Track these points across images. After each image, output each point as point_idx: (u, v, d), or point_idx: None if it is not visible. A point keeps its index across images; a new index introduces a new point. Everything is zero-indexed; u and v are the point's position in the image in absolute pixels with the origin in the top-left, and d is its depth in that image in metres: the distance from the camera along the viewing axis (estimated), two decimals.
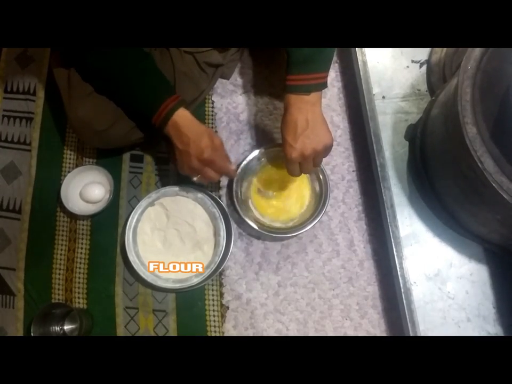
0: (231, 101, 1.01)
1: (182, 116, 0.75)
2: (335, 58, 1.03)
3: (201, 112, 1.01)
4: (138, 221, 0.89)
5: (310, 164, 0.76)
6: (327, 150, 0.76)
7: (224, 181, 0.96)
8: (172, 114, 0.74)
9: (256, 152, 0.90)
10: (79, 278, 0.93)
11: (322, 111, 1.00)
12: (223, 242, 0.87)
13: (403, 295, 0.78)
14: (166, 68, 0.86)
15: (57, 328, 0.89)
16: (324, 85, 0.74)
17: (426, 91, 0.94)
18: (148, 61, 0.78)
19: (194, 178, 0.80)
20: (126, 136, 0.87)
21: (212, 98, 1.02)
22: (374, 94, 0.91)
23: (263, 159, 0.91)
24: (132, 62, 0.75)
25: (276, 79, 1.02)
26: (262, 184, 0.92)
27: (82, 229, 0.96)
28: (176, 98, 0.76)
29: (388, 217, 0.81)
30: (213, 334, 0.89)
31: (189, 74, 0.90)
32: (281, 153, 0.90)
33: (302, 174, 0.91)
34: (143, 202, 0.89)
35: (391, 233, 0.80)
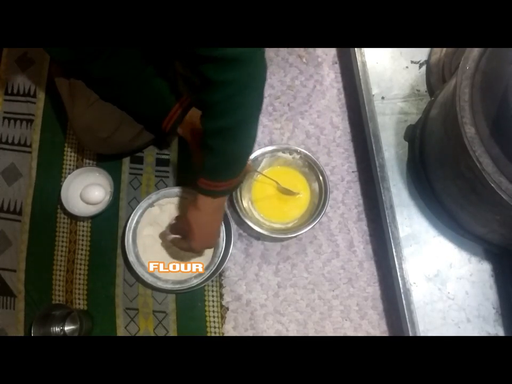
0: None
1: (198, 116, 0.76)
2: (334, 59, 1.04)
3: None
4: (138, 222, 0.89)
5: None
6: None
7: None
8: (184, 117, 0.74)
9: (255, 154, 0.90)
10: (79, 279, 0.94)
11: (322, 112, 1.00)
12: (222, 243, 0.87)
13: (403, 295, 0.78)
14: None
15: (57, 329, 0.89)
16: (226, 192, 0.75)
17: (426, 92, 0.95)
18: (152, 66, 0.78)
19: None
20: (129, 142, 0.88)
21: None
22: (373, 95, 0.91)
23: (262, 160, 0.91)
24: (136, 68, 0.75)
25: (275, 80, 1.02)
26: (261, 185, 0.92)
27: (83, 230, 0.96)
28: (185, 101, 0.76)
29: (387, 217, 0.81)
30: (213, 335, 0.89)
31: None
32: (281, 155, 0.91)
33: (302, 176, 0.92)
34: (143, 204, 0.90)
35: (390, 234, 0.80)
